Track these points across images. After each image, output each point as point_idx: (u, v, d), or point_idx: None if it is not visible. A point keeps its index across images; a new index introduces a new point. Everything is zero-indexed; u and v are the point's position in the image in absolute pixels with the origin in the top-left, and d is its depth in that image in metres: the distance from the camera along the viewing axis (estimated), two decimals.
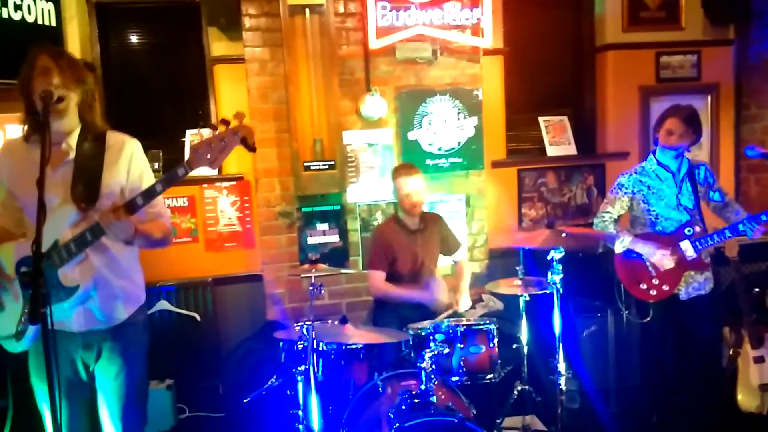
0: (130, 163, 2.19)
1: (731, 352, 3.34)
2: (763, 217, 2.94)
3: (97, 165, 2.12)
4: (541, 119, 4.79)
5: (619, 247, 3.24)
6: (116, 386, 2.21)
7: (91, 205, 2.07)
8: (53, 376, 1.65)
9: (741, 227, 2.99)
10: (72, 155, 2.11)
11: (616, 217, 3.30)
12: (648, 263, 3.18)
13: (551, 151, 4.72)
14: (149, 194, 2.02)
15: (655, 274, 3.18)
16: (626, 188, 3.26)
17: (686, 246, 3.12)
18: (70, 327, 2.11)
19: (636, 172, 3.28)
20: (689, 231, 3.13)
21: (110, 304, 2.16)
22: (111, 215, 1.94)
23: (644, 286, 3.20)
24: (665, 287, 3.16)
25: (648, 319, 3.24)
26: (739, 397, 3.24)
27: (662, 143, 3.16)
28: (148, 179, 2.22)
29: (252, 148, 2.02)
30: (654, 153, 3.25)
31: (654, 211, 3.21)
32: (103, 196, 2.10)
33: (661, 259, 3.13)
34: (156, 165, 4.18)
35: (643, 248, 3.17)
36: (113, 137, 2.20)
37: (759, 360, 3.24)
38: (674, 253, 3.13)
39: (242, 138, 1.97)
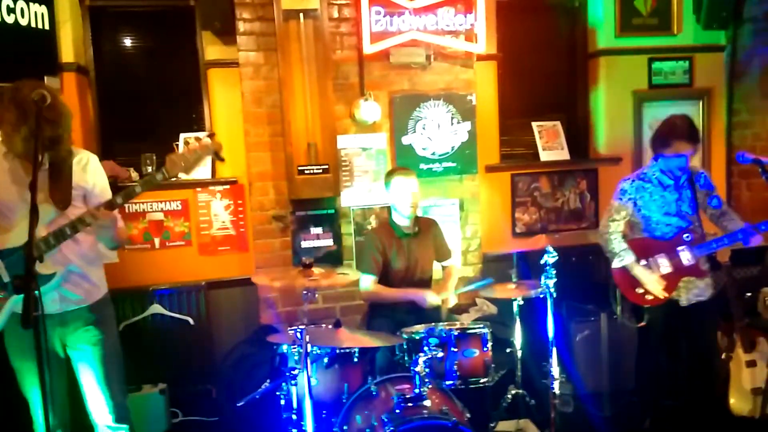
0: (94, 175, 2.54)
1: (723, 357, 3.35)
2: (762, 227, 2.97)
3: (67, 174, 2.45)
4: (534, 124, 4.81)
5: (616, 263, 3.24)
6: (96, 352, 2.50)
7: (67, 206, 2.40)
8: (44, 372, 1.84)
9: (740, 236, 3.00)
10: (47, 165, 2.39)
11: (623, 227, 3.27)
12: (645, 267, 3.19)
13: (544, 156, 4.74)
14: (128, 195, 2.36)
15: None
16: (629, 194, 3.24)
17: (684, 252, 3.12)
18: (47, 309, 2.27)
19: (638, 178, 3.26)
20: (688, 237, 3.13)
21: (82, 287, 2.48)
22: (100, 212, 2.29)
23: (640, 291, 3.19)
24: (663, 293, 3.15)
25: (643, 323, 3.24)
26: (732, 400, 3.25)
27: (664, 158, 3.14)
28: (106, 188, 2.59)
29: (221, 159, 2.49)
30: (656, 159, 3.22)
31: (654, 217, 3.20)
32: (74, 199, 2.43)
33: (657, 286, 3.14)
34: (149, 168, 4.18)
35: (642, 274, 3.17)
36: (78, 152, 2.53)
37: (751, 364, 3.25)
38: (672, 259, 3.14)
39: (214, 151, 2.39)
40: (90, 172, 2.53)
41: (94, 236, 2.49)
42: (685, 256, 3.12)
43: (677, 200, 3.19)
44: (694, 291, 3.19)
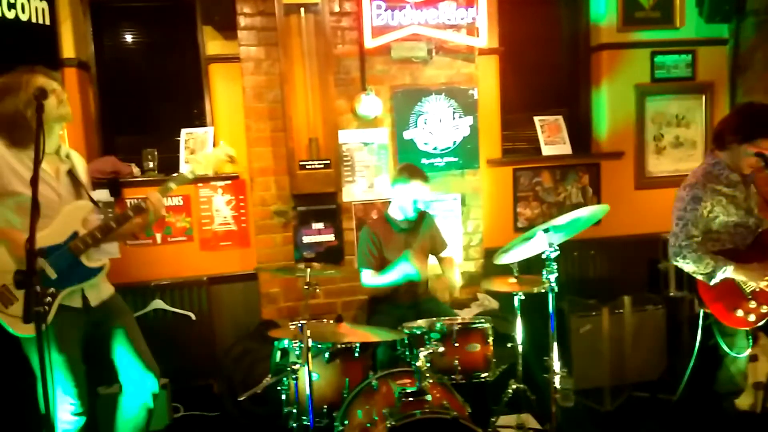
0: (84, 169, 2.66)
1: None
2: None
3: (80, 170, 2.59)
4: (536, 119, 4.79)
5: (719, 278, 2.74)
6: (134, 327, 2.68)
7: (94, 201, 2.56)
8: (46, 368, 1.84)
9: None
10: (69, 164, 2.52)
11: (701, 240, 2.79)
12: (742, 284, 2.77)
13: (546, 150, 4.73)
14: (182, 180, 2.71)
15: (751, 296, 2.77)
16: (704, 201, 2.77)
17: None
18: (89, 303, 2.51)
19: (707, 180, 2.81)
20: None
21: (106, 279, 2.61)
22: (156, 197, 2.54)
23: (741, 313, 2.76)
24: (764, 308, 2.76)
25: (750, 350, 2.82)
26: None
27: (737, 153, 2.78)
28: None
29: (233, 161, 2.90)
30: (715, 152, 2.87)
31: (732, 221, 2.81)
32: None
33: None
34: (151, 164, 4.18)
35: (748, 273, 2.71)
36: (72, 153, 2.60)
37: (753, 359, 3.23)
38: None
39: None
40: (83, 166, 2.64)
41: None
42: None
43: (746, 198, 2.84)
44: None
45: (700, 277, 2.79)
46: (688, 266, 2.79)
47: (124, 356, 2.63)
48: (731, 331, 2.83)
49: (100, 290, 2.58)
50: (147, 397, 2.69)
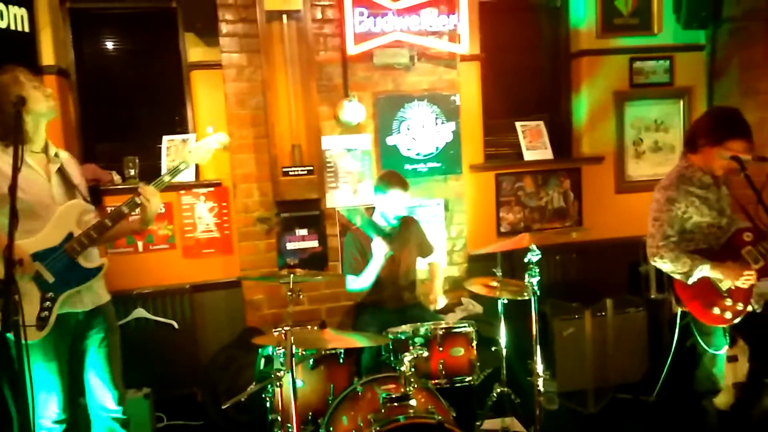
0: (78, 171, 2.64)
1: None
2: None
3: (71, 170, 2.54)
4: (518, 124, 4.83)
5: (696, 277, 2.77)
6: (114, 343, 2.62)
7: (88, 201, 2.52)
8: (25, 376, 1.87)
9: None
10: (59, 163, 2.48)
11: (677, 240, 2.82)
12: (717, 282, 2.80)
13: (528, 155, 4.77)
14: (175, 172, 2.60)
15: (727, 293, 2.80)
16: (678, 202, 2.81)
17: (752, 253, 2.77)
18: (84, 306, 2.47)
19: (680, 182, 2.85)
20: (748, 237, 2.80)
21: (102, 283, 2.59)
22: (150, 190, 2.46)
23: (717, 311, 2.80)
24: (740, 306, 2.79)
25: (726, 347, 2.86)
26: None
27: (721, 168, 2.83)
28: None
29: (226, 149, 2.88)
30: (688, 155, 2.93)
31: (705, 221, 2.85)
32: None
33: (747, 279, 2.73)
34: (132, 171, 4.15)
35: (724, 272, 2.75)
36: (60, 151, 2.57)
37: (732, 359, 3.29)
38: (742, 265, 2.75)
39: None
40: (74, 164, 2.62)
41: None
42: (753, 258, 2.76)
43: (718, 200, 2.88)
44: (760, 294, 2.86)
45: (678, 277, 2.82)
46: (666, 266, 2.83)
47: (97, 376, 2.57)
48: (708, 329, 2.86)
49: (96, 294, 2.54)
50: (109, 422, 2.62)
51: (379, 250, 3.29)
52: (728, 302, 2.78)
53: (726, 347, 2.88)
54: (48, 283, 2.30)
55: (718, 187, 2.90)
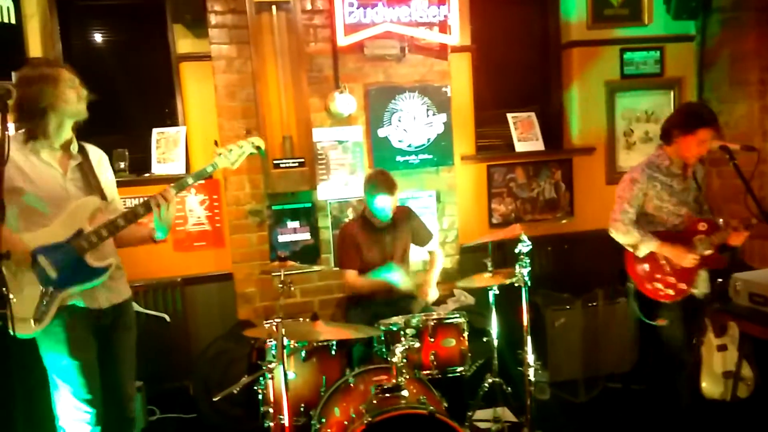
0: (106, 169, 2.61)
1: (695, 341, 3.41)
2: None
3: (90, 167, 2.49)
4: (509, 115, 4.83)
5: (644, 251, 3.06)
6: (132, 344, 2.63)
7: (104, 198, 2.46)
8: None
9: None
10: (79, 159, 2.45)
11: (634, 218, 3.11)
12: (664, 261, 3.06)
13: (519, 146, 4.77)
14: (200, 176, 2.62)
15: (671, 272, 3.05)
16: (639, 183, 3.09)
17: (703, 242, 3.01)
18: (99, 304, 2.41)
19: (647, 167, 3.12)
20: (703, 227, 3.03)
21: (123, 280, 2.56)
22: (170, 193, 2.44)
23: (660, 286, 3.06)
24: (682, 286, 3.05)
25: (662, 321, 3.08)
26: (703, 384, 3.31)
27: (692, 154, 3.04)
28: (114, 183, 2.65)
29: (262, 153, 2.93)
30: (663, 147, 3.15)
31: (665, 207, 3.10)
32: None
33: (690, 262, 2.98)
34: (122, 164, 4.13)
35: (673, 252, 3.01)
36: (89, 147, 2.55)
37: (722, 348, 3.31)
38: (690, 251, 3.01)
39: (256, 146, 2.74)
40: (101, 161, 2.58)
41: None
42: (704, 246, 3.00)
43: (685, 189, 3.12)
44: (704, 283, 3.11)
45: (629, 249, 3.10)
46: (619, 238, 3.11)
47: (106, 374, 2.49)
48: (648, 302, 3.12)
49: (112, 291, 2.47)
50: (114, 420, 2.54)
51: (395, 279, 3.32)
52: (671, 280, 3.04)
53: (661, 320, 3.11)
54: (50, 277, 2.26)
55: (684, 179, 3.12)
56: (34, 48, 3.87)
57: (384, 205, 3.37)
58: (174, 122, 4.32)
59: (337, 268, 3.71)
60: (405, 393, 2.42)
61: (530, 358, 3.02)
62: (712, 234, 3.03)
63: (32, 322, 2.24)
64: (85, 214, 2.36)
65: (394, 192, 3.37)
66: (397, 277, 3.33)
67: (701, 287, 3.13)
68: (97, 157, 2.56)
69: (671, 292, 3.05)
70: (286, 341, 2.50)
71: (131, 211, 2.39)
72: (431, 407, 2.34)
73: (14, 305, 2.13)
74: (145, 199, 2.44)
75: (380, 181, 3.39)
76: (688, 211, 3.11)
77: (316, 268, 3.75)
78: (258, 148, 2.69)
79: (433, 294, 3.48)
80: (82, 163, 2.45)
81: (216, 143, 2.62)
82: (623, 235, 3.09)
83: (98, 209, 2.41)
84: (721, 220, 3.09)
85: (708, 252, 3.02)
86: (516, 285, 3.05)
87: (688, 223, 3.09)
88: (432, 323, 2.92)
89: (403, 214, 3.60)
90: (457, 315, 3.01)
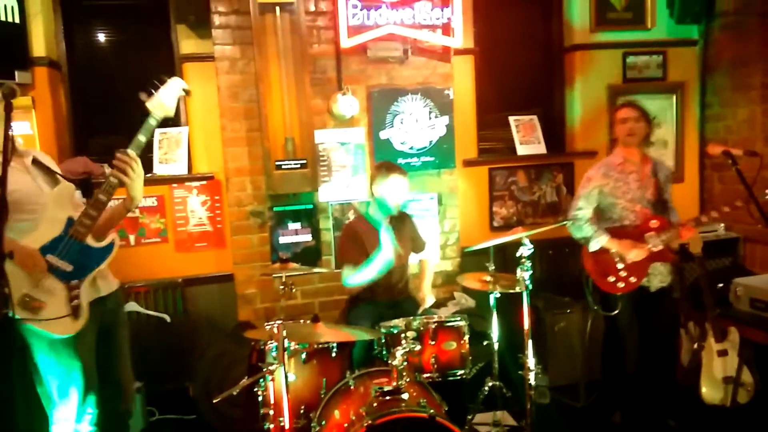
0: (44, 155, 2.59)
1: (695, 346, 3.41)
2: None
3: (42, 158, 2.49)
4: (511, 118, 4.83)
5: (594, 246, 3.29)
6: (125, 332, 2.65)
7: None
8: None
9: None
10: (30, 155, 2.42)
11: (589, 215, 3.34)
12: (618, 257, 3.26)
13: (521, 150, 4.77)
14: (148, 130, 2.62)
15: (623, 266, 3.25)
16: (594, 181, 3.32)
17: (653, 238, 3.20)
18: (101, 292, 2.45)
19: (603, 166, 3.36)
20: (654, 224, 3.22)
21: (109, 272, 2.57)
22: (131, 156, 2.44)
23: (612, 279, 3.27)
24: (633, 279, 3.24)
25: (616, 312, 3.29)
26: (703, 389, 3.31)
27: (621, 136, 3.32)
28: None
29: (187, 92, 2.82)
30: (619, 147, 3.38)
31: (619, 204, 3.29)
32: None
33: (637, 255, 3.20)
34: None
35: (620, 246, 3.23)
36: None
37: (722, 353, 3.31)
38: (642, 246, 3.22)
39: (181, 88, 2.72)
40: (45, 155, 2.58)
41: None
42: (654, 242, 3.20)
43: (641, 187, 3.29)
44: (659, 277, 3.30)
45: (583, 243, 3.34)
46: (573, 232, 3.37)
47: (100, 368, 2.49)
48: (601, 293, 3.34)
49: (109, 279, 2.53)
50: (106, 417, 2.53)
51: (387, 241, 3.27)
52: (623, 273, 3.25)
53: (616, 311, 3.29)
54: (67, 272, 2.26)
55: (641, 177, 3.31)
56: (38, 47, 3.87)
57: (398, 187, 3.37)
58: (176, 123, 4.31)
59: (338, 270, 3.70)
60: (405, 396, 2.42)
61: (531, 361, 3.02)
62: (662, 231, 3.20)
63: (70, 319, 2.26)
64: (67, 200, 2.39)
65: (406, 174, 3.43)
66: (387, 239, 3.26)
67: (655, 281, 3.30)
68: (37, 151, 2.57)
69: (621, 285, 3.25)
70: (286, 343, 2.50)
71: (107, 183, 2.36)
72: (431, 410, 2.34)
73: (48, 309, 2.21)
74: (109, 171, 2.41)
75: (392, 164, 3.49)
76: (642, 208, 3.28)
77: (317, 269, 3.73)
78: (185, 90, 2.70)
79: (429, 300, 3.49)
80: (35, 158, 2.44)
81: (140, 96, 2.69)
82: (576, 231, 3.35)
83: (73, 193, 2.46)
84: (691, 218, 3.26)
85: (658, 248, 3.20)
86: (518, 289, 3.05)
87: (642, 220, 3.27)
88: (433, 326, 2.91)
89: (402, 219, 3.61)
90: (458, 318, 3.00)
